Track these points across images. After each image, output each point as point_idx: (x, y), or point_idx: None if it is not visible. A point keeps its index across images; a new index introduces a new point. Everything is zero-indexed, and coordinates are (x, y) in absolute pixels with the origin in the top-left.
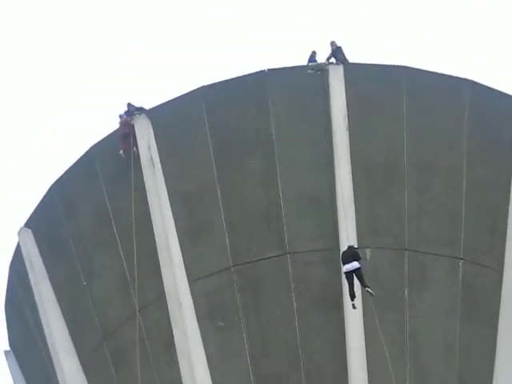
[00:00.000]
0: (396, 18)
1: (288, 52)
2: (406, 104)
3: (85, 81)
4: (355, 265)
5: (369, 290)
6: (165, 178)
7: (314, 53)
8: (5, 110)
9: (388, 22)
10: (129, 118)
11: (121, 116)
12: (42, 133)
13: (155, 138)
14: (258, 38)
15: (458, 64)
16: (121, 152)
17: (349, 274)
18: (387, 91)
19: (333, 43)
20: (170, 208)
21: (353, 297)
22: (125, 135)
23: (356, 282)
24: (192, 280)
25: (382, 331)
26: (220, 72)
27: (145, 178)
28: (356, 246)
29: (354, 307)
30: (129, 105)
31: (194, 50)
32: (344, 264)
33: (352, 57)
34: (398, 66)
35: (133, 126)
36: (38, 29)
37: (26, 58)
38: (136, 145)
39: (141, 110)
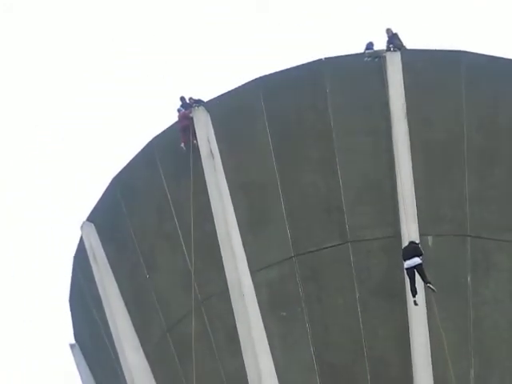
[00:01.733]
0: (396, 18)
1: (288, 52)
2: (464, 89)
3: (85, 81)
4: (416, 261)
5: (430, 286)
6: (224, 169)
7: (370, 43)
8: (5, 110)
9: (388, 23)
10: (187, 111)
11: (179, 110)
12: (42, 133)
13: (214, 130)
14: (257, 38)
15: None
16: (182, 145)
17: (410, 270)
18: (446, 76)
19: (388, 30)
20: (230, 199)
21: (414, 293)
22: (184, 128)
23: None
24: (254, 271)
25: (445, 318)
26: (220, 72)
27: (205, 170)
28: (417, 242)
29: (415, 304)
30: (182, 99)
31: (194, 49)
32: (405, 260)
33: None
34: (456, 51)
35: (192, 119)
36: (38, 29)
37: (26, 57)
38: (196, 137)
39: (199, 102)
